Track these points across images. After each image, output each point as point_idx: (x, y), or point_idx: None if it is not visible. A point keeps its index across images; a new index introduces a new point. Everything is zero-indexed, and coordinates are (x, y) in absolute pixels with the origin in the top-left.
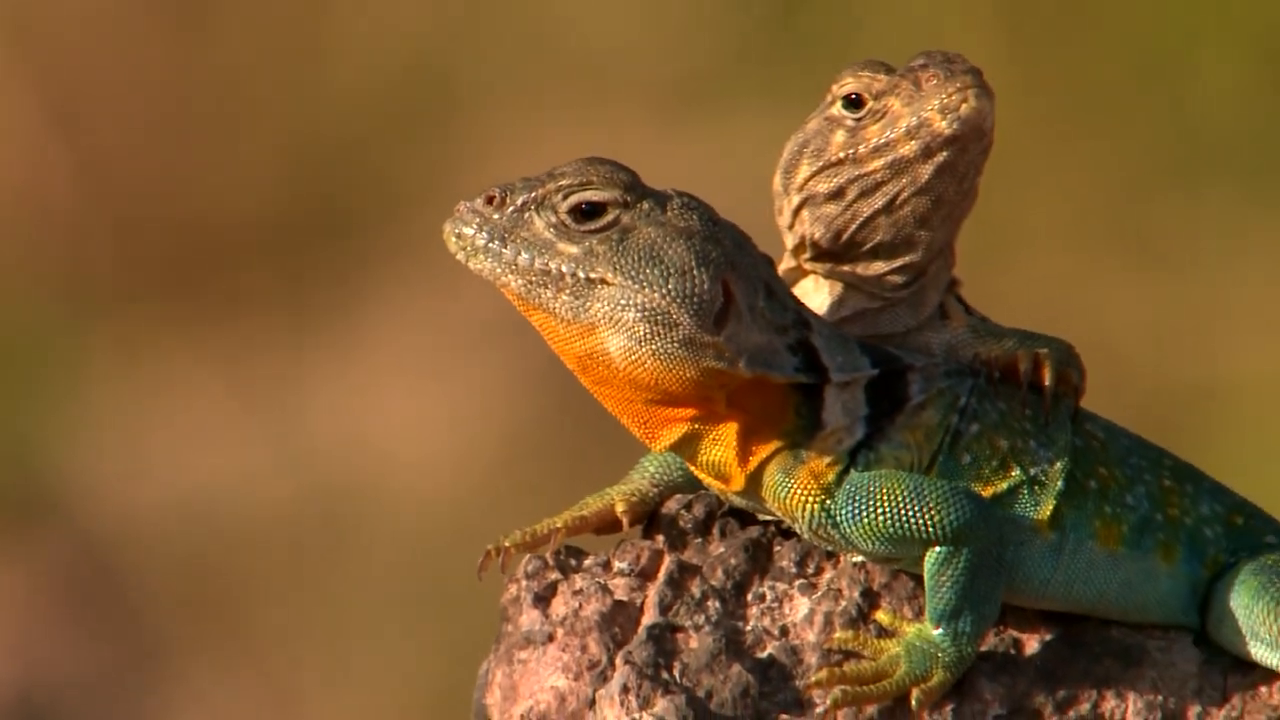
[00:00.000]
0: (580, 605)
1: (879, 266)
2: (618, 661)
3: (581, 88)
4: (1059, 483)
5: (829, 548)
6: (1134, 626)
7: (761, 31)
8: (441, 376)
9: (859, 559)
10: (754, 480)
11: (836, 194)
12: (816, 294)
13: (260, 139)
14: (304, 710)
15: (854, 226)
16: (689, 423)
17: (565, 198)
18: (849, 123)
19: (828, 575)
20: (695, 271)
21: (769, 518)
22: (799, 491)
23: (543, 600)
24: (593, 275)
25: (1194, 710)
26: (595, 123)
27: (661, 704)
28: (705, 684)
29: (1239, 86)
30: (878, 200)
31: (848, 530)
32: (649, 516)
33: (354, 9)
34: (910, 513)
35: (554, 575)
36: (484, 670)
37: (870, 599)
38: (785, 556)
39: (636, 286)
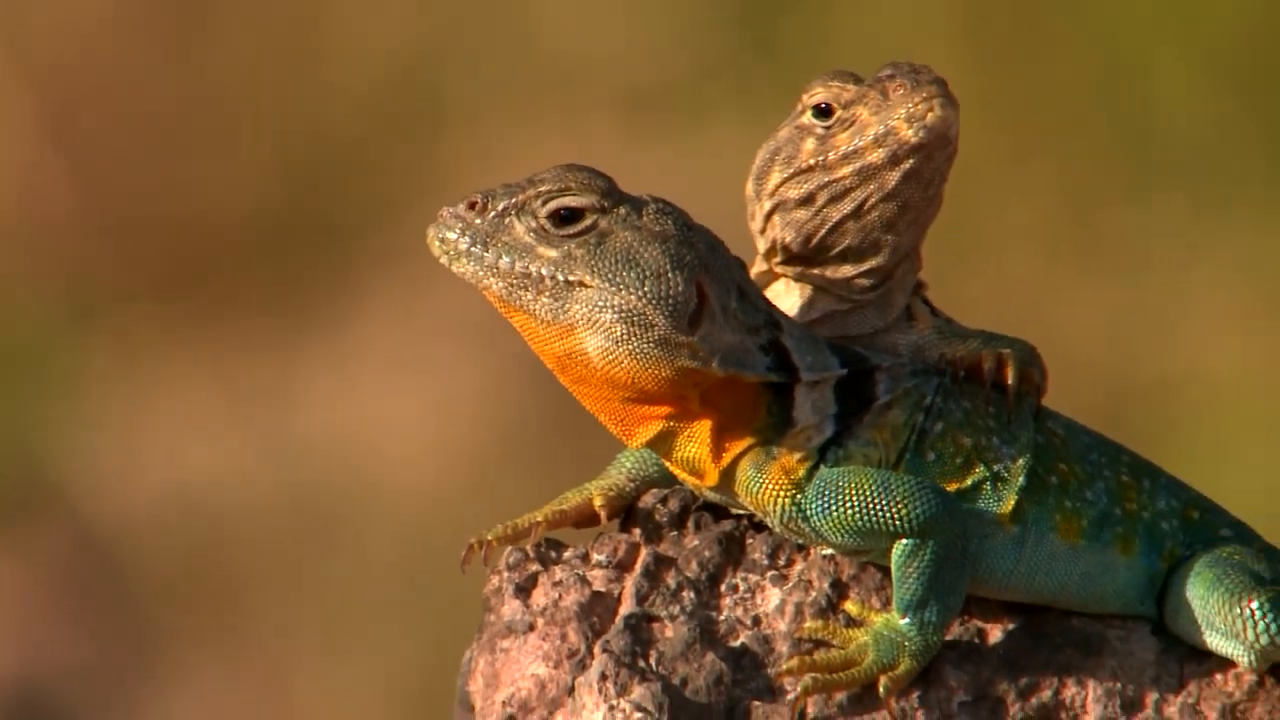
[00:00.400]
0: (560, 596)
1: (847, 270)
2: (596, 650)
3: (562, 97)
4: (1021, 478)
5: (799, 541)
6: (1094, 616)
7: (735, 44)
8: (426, 377)
9: (828, 551)
10: (727, 476)
11: (807, 200)
12: (787, 296)
13: (253, 146)
14: (296, 697)
15: (823, 231)
16: (664, 420)
17: (544, 203)
18: (819, 131)
19: (798, 567)
20: (670, 274)
21: (742, 512)
22: (771, 486)
23: (524, 591)
24: (571, 278)
25: (1152, 697)
26: (574, 131)
27: (638, 691)
28: (680, 672)
29: (1189, 101)
30: (846, 206)
31: (818, 524)
32: (626, 511)
33: (345, 20)
34: (878, 507)
35: (534, 567)
36: (467, 658)
37: (839, 590)
38: (757, 549)
39: (613, 289)
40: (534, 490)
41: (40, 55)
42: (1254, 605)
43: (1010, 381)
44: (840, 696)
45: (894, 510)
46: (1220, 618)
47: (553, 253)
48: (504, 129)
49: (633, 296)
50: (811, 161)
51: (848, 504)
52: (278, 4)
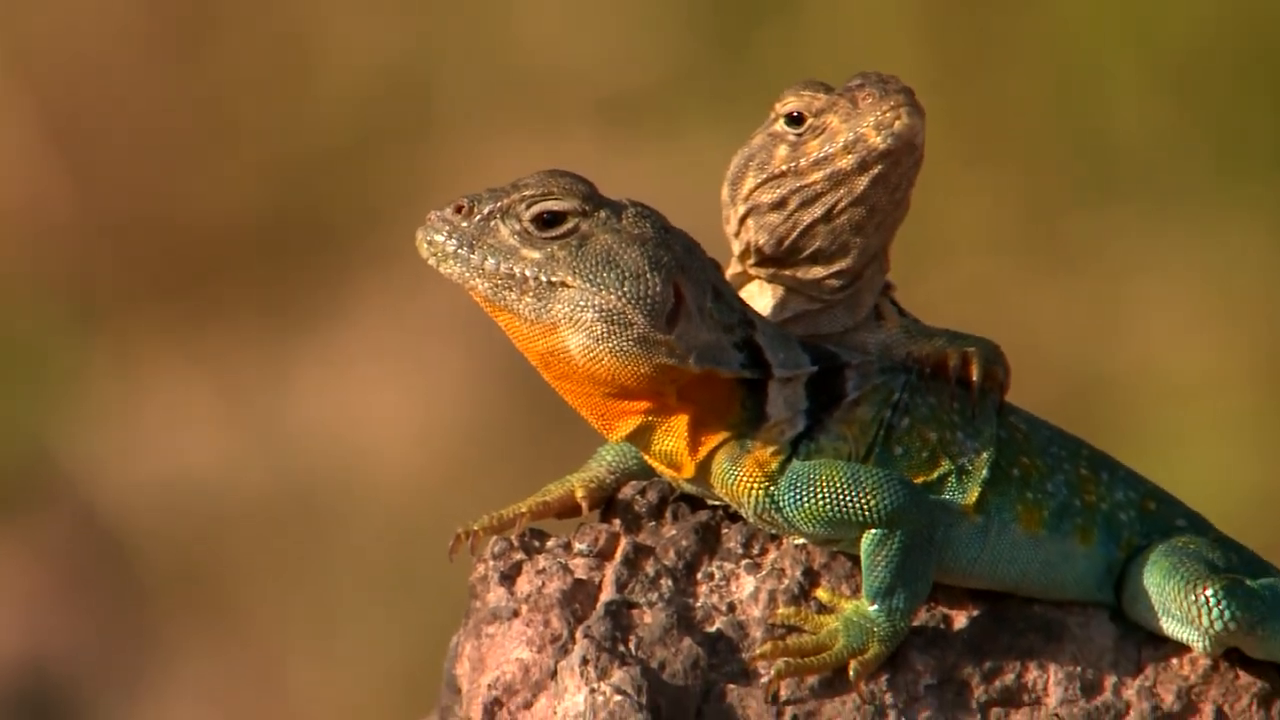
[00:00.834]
0: (543, 583)
1: (818, 271)
2: (578, 635)
3: (543, 106)
4: (984, 471)
5: (773, 530)
6: (1055, 603)
7: (710, 55)
8: (414, 374)
9: (800, 541)
10: (703, 468)
11: (779, 204)
12: (761, 297)
13: (248, 154)
14: (288, 682)
15: (795, 234)
16: (643, 415)
17: (528, 207)
18: (791, 138)
19: (771, 556)
20: (648, 275)
21: (717, 503)
22: (745, 479)
23: (508, 579)
24: (554, 279)
25: (1110, 681)
26: (556, 138)
27: (618, 675)
28: (659, 656)
29: (1142, 112)
30: (817, 210)
31: (790, 514)
32: (607, 501)
33: (338, 33)
34: (848, 498)
35: (519, 556)
36: (454, 643)
37: (811, 578)
38: (732, 538)
39: (594, 289)
40: (518, 483)
41: (42, 59)
42: (1208, 592)
43: (974, 378)
44: (812, 680)
45: (863, 501)
46: (1176, 604)
47: (536, 254)
48: (488, 136)
49: (613, 296)
50: (784, 167)
51: (819, 495)
52: (275, 16)
